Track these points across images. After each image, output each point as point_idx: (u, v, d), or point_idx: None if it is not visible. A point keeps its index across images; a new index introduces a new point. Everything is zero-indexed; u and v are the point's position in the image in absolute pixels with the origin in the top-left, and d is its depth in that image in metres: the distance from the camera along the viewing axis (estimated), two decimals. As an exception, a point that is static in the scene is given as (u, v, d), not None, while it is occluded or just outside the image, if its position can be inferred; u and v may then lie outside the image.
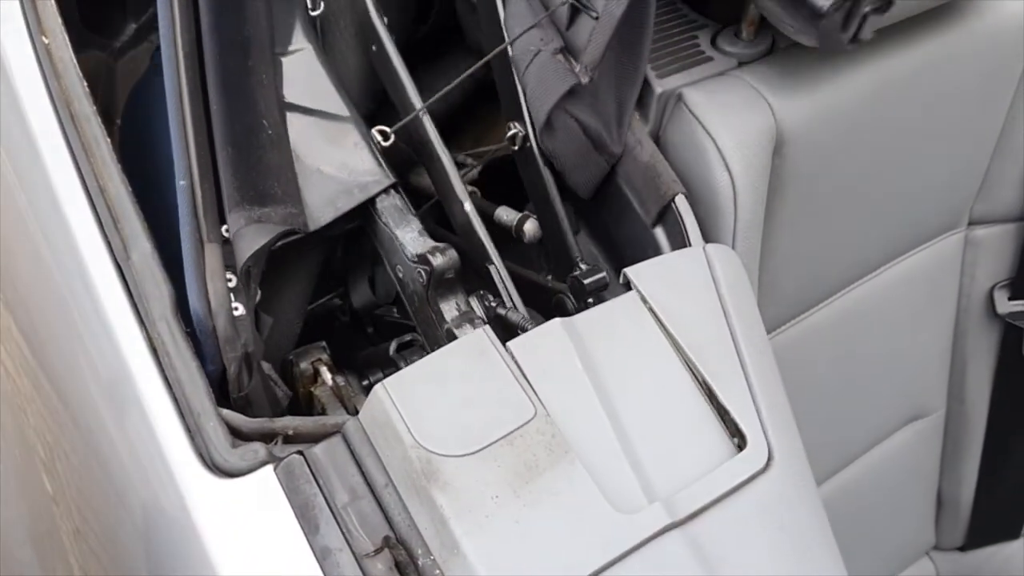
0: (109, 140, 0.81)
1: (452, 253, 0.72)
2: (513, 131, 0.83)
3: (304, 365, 0.74)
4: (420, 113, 0.80)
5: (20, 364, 0.91)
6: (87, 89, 0.85)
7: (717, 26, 0.90)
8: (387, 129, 0.78)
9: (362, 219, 0.78)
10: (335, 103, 0.80)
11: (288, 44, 0.83)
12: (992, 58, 0.98)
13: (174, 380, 0.66)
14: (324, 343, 0.77)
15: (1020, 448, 1.28)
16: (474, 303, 0.75)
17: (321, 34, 0.87)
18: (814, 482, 0.63)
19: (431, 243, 0.74)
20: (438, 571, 0.55)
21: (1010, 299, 1.19)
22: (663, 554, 0.55)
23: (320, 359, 0.74)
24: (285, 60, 0.81)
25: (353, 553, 0.56)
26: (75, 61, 0.87)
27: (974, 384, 1.26)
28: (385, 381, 0.60)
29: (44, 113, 0.82)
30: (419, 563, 0.55)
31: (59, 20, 0.90)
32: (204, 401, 0.64)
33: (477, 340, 0.63)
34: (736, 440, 0.61)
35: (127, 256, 0.73)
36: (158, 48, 1.08)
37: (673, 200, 0.78)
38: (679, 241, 0.77)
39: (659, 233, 0.80)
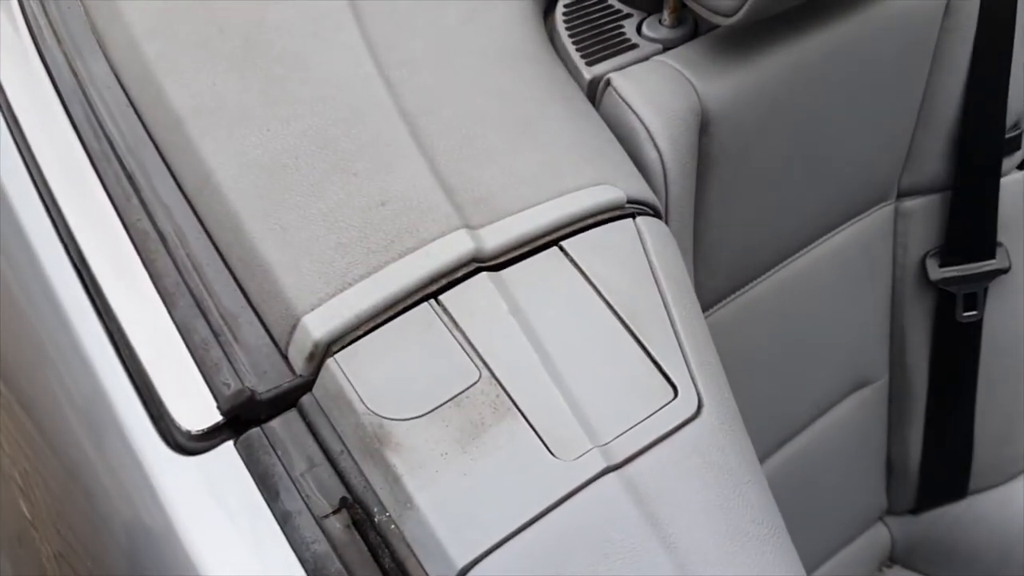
0: None
1: None
2: None
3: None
4: None
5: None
6: None
7: (642, 14, 0.94)
8: None
9: None
10: None
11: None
12: (906, 33, 1.03)
13: (136, 371, 0.69)
14: None
15: (960, 411, 1.33)
16: None
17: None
18: (745, 430, 0.67)
19: None
20: (393, 525, 0.58)
21: (941, 266, 1.24)
22: (600, 495, 0.59)
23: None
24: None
25: (312, 515, 0.59)
26: None
27: (914, 350, 1.31)
28: (336, 355, 0.64)
29: None
30: (375, 520, 0.59)
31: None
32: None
33: (423, 313, 0.66)
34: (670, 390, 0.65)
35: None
36: None
37: None
38: None
39: None
